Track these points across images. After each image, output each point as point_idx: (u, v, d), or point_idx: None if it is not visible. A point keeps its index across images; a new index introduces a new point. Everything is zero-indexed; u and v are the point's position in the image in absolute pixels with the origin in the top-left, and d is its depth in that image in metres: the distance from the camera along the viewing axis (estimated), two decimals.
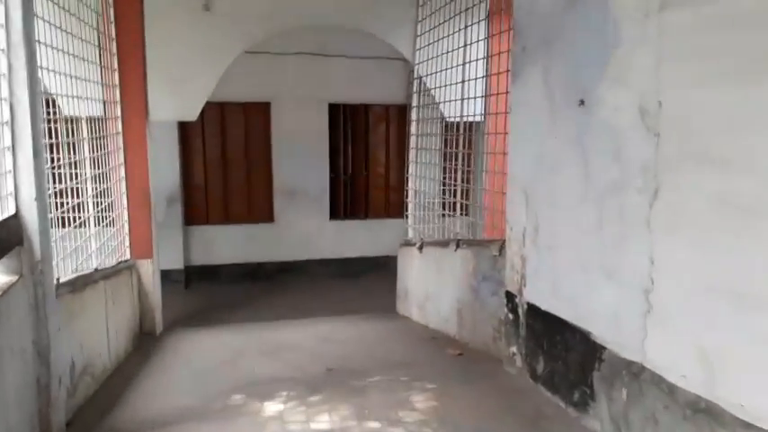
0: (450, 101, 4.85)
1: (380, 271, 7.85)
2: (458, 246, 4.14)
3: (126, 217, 4.54)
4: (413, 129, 5.36)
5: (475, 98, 4.65)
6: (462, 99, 4.63)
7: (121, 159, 4.47)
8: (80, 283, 2.98)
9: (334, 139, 7.73)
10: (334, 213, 7.77)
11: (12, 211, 2.12)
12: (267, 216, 7.53)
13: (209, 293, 6.95)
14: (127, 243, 4.56)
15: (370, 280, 7.64)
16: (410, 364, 3.66)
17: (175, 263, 6.94)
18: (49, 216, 2.42)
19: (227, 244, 7.30)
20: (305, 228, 7.55)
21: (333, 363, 3.73)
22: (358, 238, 7.80)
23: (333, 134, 7.68)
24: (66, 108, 3.92)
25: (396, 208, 8.03)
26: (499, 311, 3.52)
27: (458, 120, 5.28)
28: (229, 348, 4.24)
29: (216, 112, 7.21)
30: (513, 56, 3.27)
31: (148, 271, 4.67)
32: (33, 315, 2.20)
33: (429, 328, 4.73)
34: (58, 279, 2.70)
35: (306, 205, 7.51)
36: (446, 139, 5.47)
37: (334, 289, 7.26)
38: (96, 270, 3.43)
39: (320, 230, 7.63)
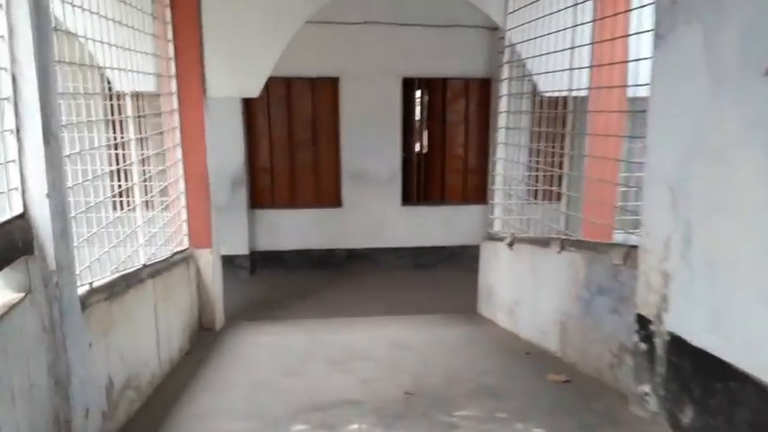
0: (548, 72, 4.05)
1: (456, 262, 7.21)
2: (563, 247, 3.41)
3: (183, 203, 4.16)
4: (503, 104, 4.60)
5: (580, 69, 3.82)
6: (565, 70, 3.82)
7: (177, 140, 4.07)
8: (121, 286, 2.57)
9: (407, 117, 7.08)
10: (407, 198, 7.17)
11: (17, 211, 1.68)
12: (335, 200, 7.05)
13: (274, 281, 6.60)
14: (184, 231, 4.20)
15: (446, 272, 7.01)
16: (506, 391, 3.02)
17: (240, 248, 6.64)
18: (70, 215, 1.97)
19: (294, 229, 6.91)
20: (375, 213, 7.01)
21: (410, 381, 3.17)
22: (432, 226, 7.18)
23: (406, 111, 7.03)
24: (118, 83, 3.56)
25: (474, 193, 7.32)
26: (621, 335, 2.79)
27: (557, 94, 4.48)
28: (293, 353, 3.79)
29: (281, 88, 6.76)
30: (657, 12, 2.46)
31: (208, 261, 4.30)
32: (48, 339, 1.77)
33: (520, 339, 4.06)
34: (91, 284, 2.28)
35: (376, 189, 6.95)
36: (538, 118, 4.69)
37: (406, 281, 6.70)
38: (145, 266, 3.03)
39: (391, 216, 7.06)
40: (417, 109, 7.07)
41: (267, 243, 6.89)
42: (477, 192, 7.37)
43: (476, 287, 5.77)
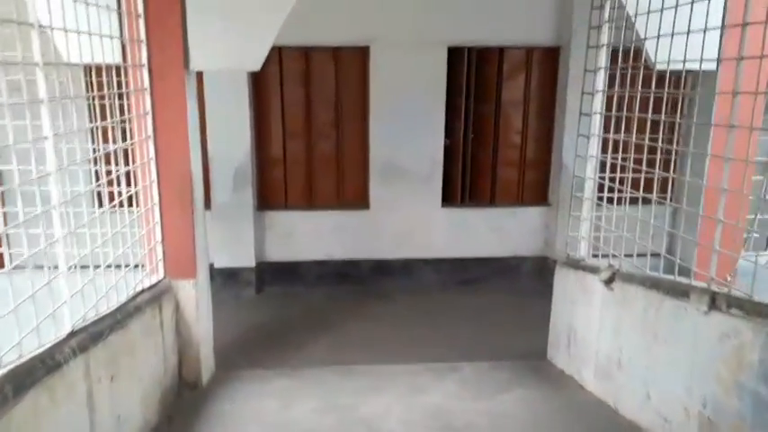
0: (668, 36, 2.89)
1: (510, 278, 6.15)
2: (713, 304, 2.33)
3: (156, 217, 3.20)
4: (599, 82, 3.47)
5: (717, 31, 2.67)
6: (700, 31, 2.68)
7: (149, 130, 3.10)
8: (18, 386, 1.61)
9: (452, 97, 5.98)
10: (449, 198, 6.10)
11: None
12: (361, 200, 6.04)
13: (284, 302, 5.66)
14: (158, 256, 3.24)
15: (497, 292, 5.96)
16: None
17: (245, 259, 5.70)
18: None
19: (311, 235, 5.93)
20: (409, 217, 5.98)
21: None
22: (480, 233, 6.11)
23: (451, 89, 5.93)
24: (65, 51, 2.62)
25: (534, 192, 6.22)
26: None
27: (678, 67, 3.33)
28: None
29: (298, 60, 5.73)
30: None
31: (190, 296, 3.35)
32: None
33: (621, 417, 3.02)
34: None
35: (411, 186, 5.91)
36: (635, 101, 3.57)
37: (448, 304, 5.67)
38: (71, 334, 2.07)
39: (429, 221, 6.02)
40: (465, 86, 5.93)
41: (278, 253, 5.94)
42: (537, 191, 6.25)
43: (538, 317, 4.77)
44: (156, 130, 3.11)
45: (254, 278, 5.78)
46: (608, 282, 3.11)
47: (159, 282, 3.22)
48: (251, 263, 5.75)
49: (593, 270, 3.31)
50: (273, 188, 5.97)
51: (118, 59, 2.97)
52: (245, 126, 5.48)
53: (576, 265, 3.56)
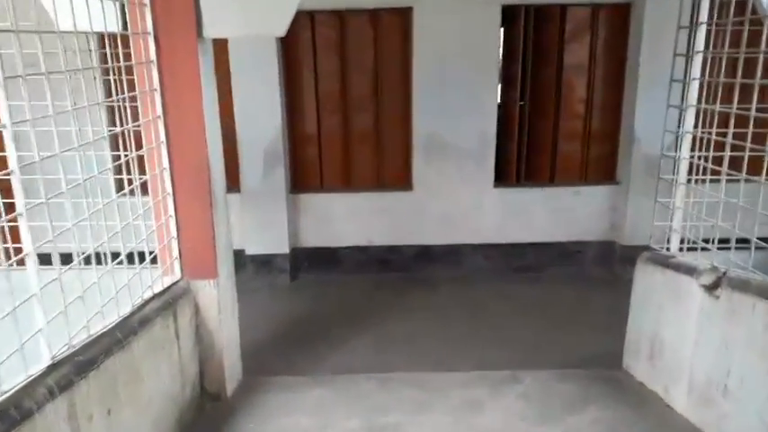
0: None
1: (572, 266, 5.62)
2: None
3: (170, 210, 2.83)
4: (699, 41, 2.85)
5: None
6: None
7: (158, 110, 2.71)
8: None
9: (507, 62, 5.39)
10: (502, 177, 5.56)
11: None
12: (403, 180, 5.57)
13: (320, 291, 5.30)
14: (174, 254, 2.88)
15: (557, 281, 5.43)
16: None
17: (278, 245, 5.36)
18: None
19: (349, 219, 5.53)
20: (457, 198, 5.48)
21: None
22: (537, 215, 5.56)
23: (506, 54, 5.33)
24: (61, 17, 2.24)
25: (600, 169, 5.62)
26: None
27: None
28: None
29: (332, 25, 5.24)
30: None
31: (212, 298, 3.00)
32: None
33: None
34: None
35: (459, 164, 5.40)
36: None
37: (502, 296, 5.19)
38: (51, 367, 1.72)
39: (479, 202, 5.51)
40: (522, 51, 5.31)
41: (314, 238, 5.56)
42: (604, 167, 5.63)
43: (606, 312, 4.34)
44: (165, 109, 2.72)
45: (288, 265, 5.44)
46: (711, 288, 2.56)
47: (175, 283, 2.87)
48: (285, 249, 5.40)
49: (690, 271, 2.76)
50: (308, 168, 5.57)
51: (119, 26, 2.58)
52: (276, 100, 5.07)
53: (665, 262, 3.00)
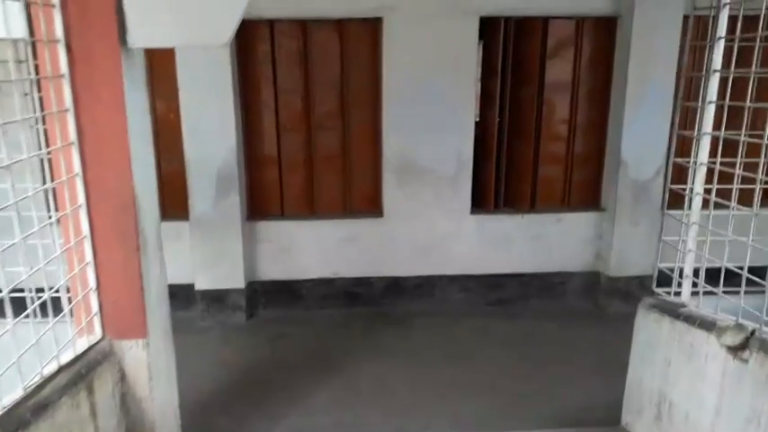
0: None
1: (553, 298, 5.29)
2: None
3: (88, 256, 2.34)
4: (716, 59, 2.52)
5: None
6: None
7: (72, 135, 2.23)
8: None
9: (485, 79, 5.06)
10: (480, 202, 5.21)
11: None
12: (373, 206, 5.17)
13: (280, 332, 4.82)
14: (94, 309, 2.39)
15: (538, 315, 5.09)
16: None
17: (233, 279, 4.87)
18: None
19: (313, 249, 5.08)
20: (431, 226, 5.10)
21: None
22: (516, 244, 5.22)
23: (484, 69, 5.01)
24: None
25: (584, 194, 5.33)
26: None
27: None
28: None
29: (294, 35, 4.82)
30: None
31: (140, 361, 2.50)
32: None
33: None
34: None
35: (434, 188, 5.02)
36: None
37: (478, 330, 4.82)
38: None
39: (455, 230, 5.14)
40: (501, 66, 4.98)
41: (273, 271, 5.09)
42: (587, 193, 5.34)
43: (593, 352, 4.34)
44: (80, 133, 2.24)
45: (243, 301, 4.94)
46: (737, 349, 2.21)
47: (94, 346, 2.37)
48: (240, 283, 4.90)
49: (707, 326, 2.41)
50: (266, 193, 5.10)
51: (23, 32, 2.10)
52: (230, 118, 4.60)
53: (674, 312, 2.65)
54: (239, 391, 3.87)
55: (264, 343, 4.61)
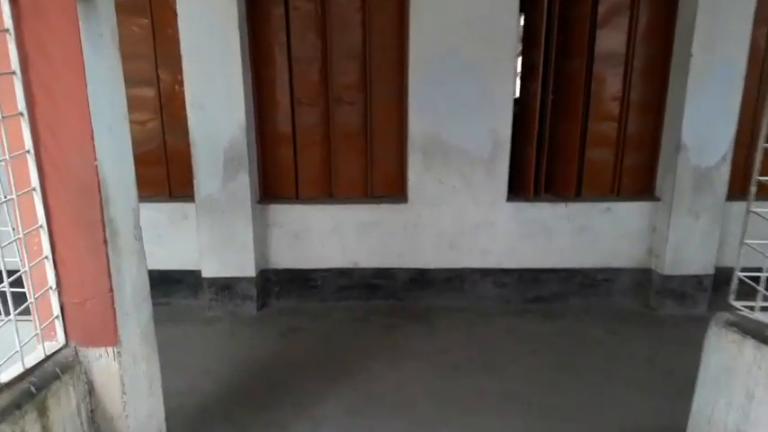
0: None
1: (599, 297, 4.81)
2: None
3: (45, 249, 2.00)
4: None
5: None
6: None
7: (21, 102, 1.87)
8: None
9: (527, 49, 4.54)
10: (518, 188, 4.72)
11: None
12: (397, 190, 4.74)
13: (293, 326, 4.47)
14: (55, 311, 2.06)
15: (581, 317, 4.61)
16: None
17: (243, 267, 4.53)
18: None
19: (330, 236, 4.69)
20: (462, 212, 4.64)
21: None
22: (559, 235, 4.72)
23: (527, 39, 4.49)
24: None
25: (636, 181, 4.81)
26: None
27: None
28: None
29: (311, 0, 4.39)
30: None
31: (110, 371, 2.16)
32: None
33: None
34: None
35: (465, 171, 4.55)
36: None
37: (513, 332, 4.37)
38: None
39: (489, 218, 4.67)
40: (544, 34, 4.44)
41: (286, 258, 4.73)
42: (641, 179, 4.79)
43: (646, 363, 3.88)
44: (31, 102, 1.87)
45: (254, 291, 4.60)
46: None
47: (54, 354, 2.04)
48: (250, 271, 4.56)
49: None
50: (280, 174, 4.72)
51: None
52: (238, 90, 4.21)
53: (761, 334, 2.16)
54: (244, 393, 3.54)
55: (275, 337, 4.27)
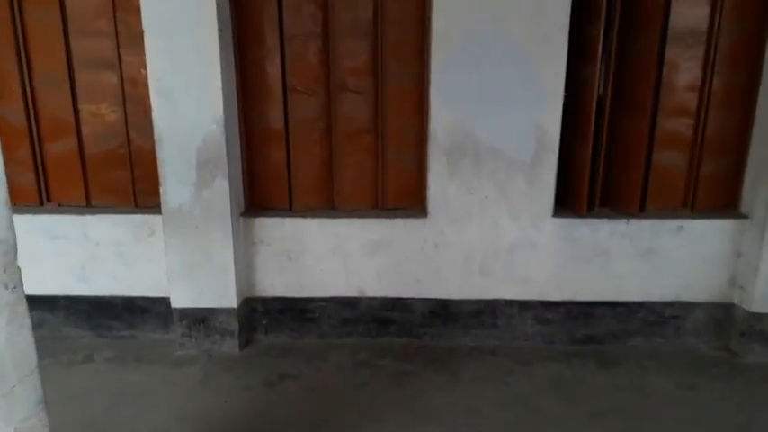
0: None
1: (667, 339, 3.96)
2: None
3: None
4: None
5: None
6: None
7: None
8: None
9: (581, 25, 3.67)
10: (567, 200, 3.86)
11: None
12: (414, 201, 3.92)
13: (283, 371, 3.67)
14: None
15: (646, 364, 3.75)
16: None
17: (221, 296, 3.75)
18: None
19: (331, 257, 3.89)
20: (496, 230, 3.80)
21: None
22: (618, 260, 3.85)
23: (581, 13, 3.62)
24: None
25: (716, 193, 3.93)
26: None
27: None
28: None
29: None
30: None
31: None
32: None
33: None
34: None
35: (501, 179, 3.71)
36: None
37: (560, 386, 3.51)
38: None
39: (532, 238, 3.81)
40: (605, 13, 3.56)
41: (277, 284, 3.93)
42: (722, 191, 3.90)
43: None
44: None
45: (236, 325, 3.80)
46: None
47: None
48: (231, 301, 3.77)
49: None
50: (269, 179, 3.93)
51: None
52: (215, 75, 3.42)
53: None
54: None
55: (258, 388, 3.46)
